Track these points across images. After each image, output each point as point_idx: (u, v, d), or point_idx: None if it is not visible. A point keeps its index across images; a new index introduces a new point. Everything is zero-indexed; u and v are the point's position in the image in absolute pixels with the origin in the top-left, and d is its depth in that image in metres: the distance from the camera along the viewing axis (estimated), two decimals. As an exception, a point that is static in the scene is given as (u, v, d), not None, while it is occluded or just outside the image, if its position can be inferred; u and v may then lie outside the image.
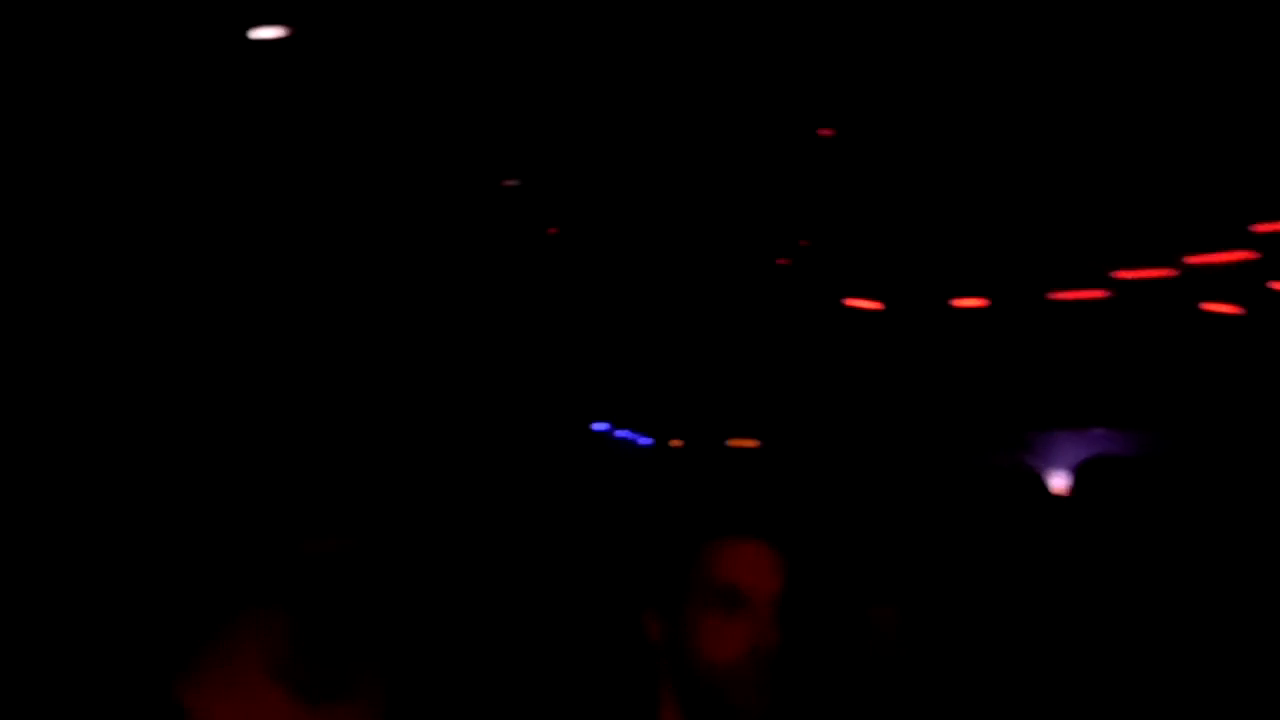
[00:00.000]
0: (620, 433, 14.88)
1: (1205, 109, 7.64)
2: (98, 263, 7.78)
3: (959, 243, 10.88)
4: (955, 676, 2.88)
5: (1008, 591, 3.15)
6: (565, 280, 12.11)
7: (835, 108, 8.29)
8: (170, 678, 2.14)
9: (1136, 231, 10.14)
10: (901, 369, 13.90)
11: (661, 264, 12.05)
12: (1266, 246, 9.94)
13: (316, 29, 6.89)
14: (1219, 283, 11.10)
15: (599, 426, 14.52)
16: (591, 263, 11.90)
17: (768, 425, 14.15)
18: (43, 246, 7.39)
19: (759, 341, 13.76)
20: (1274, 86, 7.03)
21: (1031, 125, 8.30)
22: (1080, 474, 3.47)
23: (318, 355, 9.27)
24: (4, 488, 5.06)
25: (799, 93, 7.99)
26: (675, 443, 14.92)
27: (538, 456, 10.18)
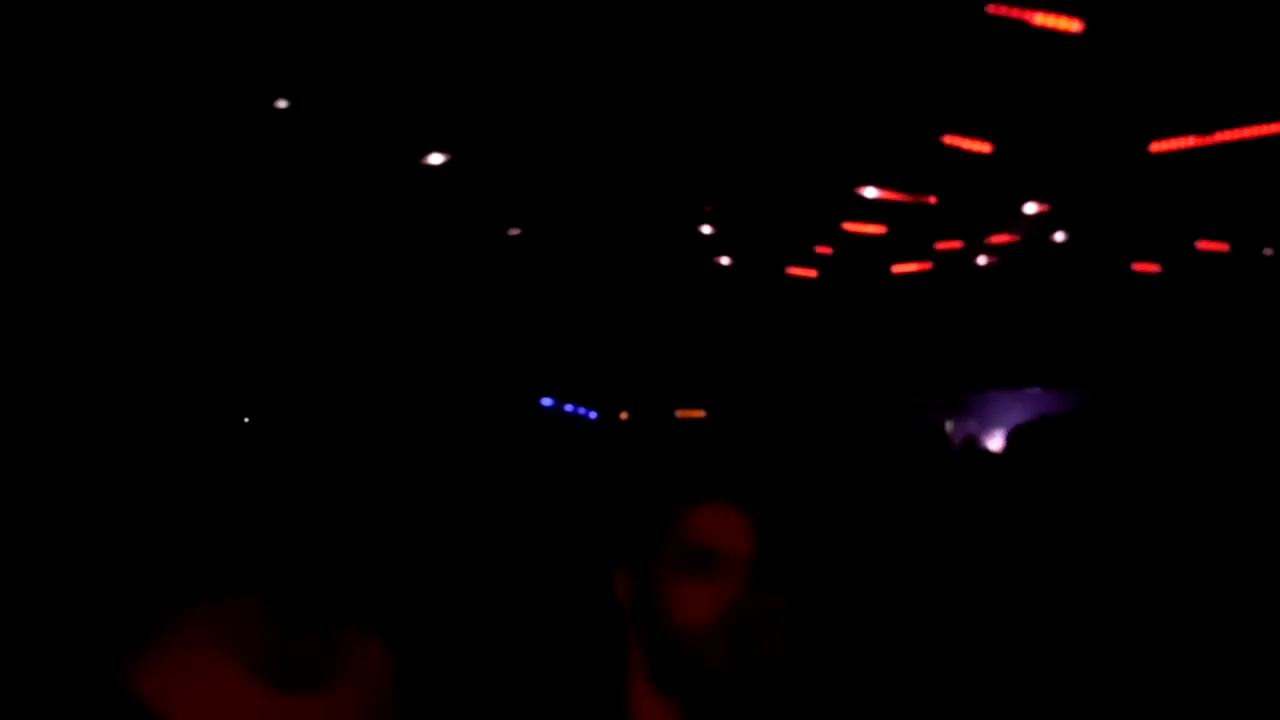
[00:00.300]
0: (567, 407, 14.96)
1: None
2: (62, 251, 7.81)
3: (895, 208, 11.06)
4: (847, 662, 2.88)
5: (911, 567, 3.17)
6: (511, 262, 12.18)
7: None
8: (123, 667, 2.11)
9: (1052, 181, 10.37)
10: (839, 335, 14.06)
11: (603, 243, 12.15)
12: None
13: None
14: (1141, 243, 11.35)
15: (546, 401, 14.60)
16: (537, 245, 11.99)
17: (714, 395, 14.27)
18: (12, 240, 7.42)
19: (701, 312, 13.87)
20: None
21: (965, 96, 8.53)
22: (1014, 437, 3.51)
23: (267, 338, 9.31)
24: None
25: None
26: (623, 415, 15.01)
27: (497, 431, 10.26)
